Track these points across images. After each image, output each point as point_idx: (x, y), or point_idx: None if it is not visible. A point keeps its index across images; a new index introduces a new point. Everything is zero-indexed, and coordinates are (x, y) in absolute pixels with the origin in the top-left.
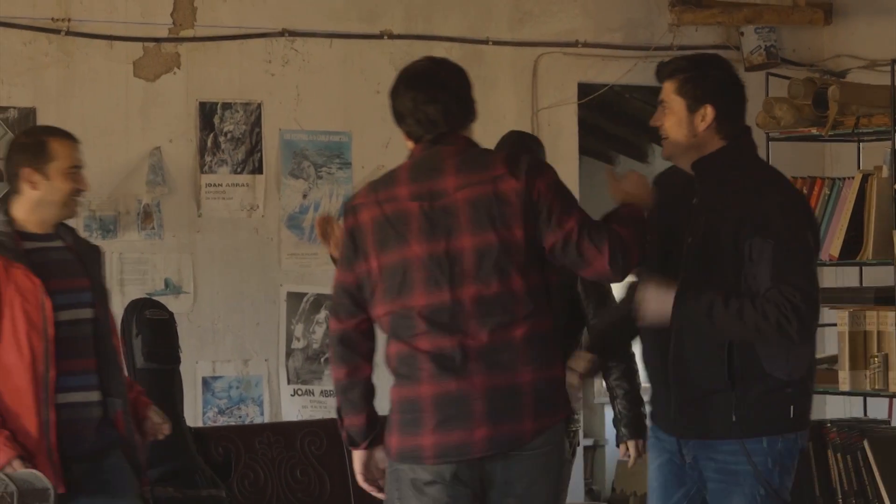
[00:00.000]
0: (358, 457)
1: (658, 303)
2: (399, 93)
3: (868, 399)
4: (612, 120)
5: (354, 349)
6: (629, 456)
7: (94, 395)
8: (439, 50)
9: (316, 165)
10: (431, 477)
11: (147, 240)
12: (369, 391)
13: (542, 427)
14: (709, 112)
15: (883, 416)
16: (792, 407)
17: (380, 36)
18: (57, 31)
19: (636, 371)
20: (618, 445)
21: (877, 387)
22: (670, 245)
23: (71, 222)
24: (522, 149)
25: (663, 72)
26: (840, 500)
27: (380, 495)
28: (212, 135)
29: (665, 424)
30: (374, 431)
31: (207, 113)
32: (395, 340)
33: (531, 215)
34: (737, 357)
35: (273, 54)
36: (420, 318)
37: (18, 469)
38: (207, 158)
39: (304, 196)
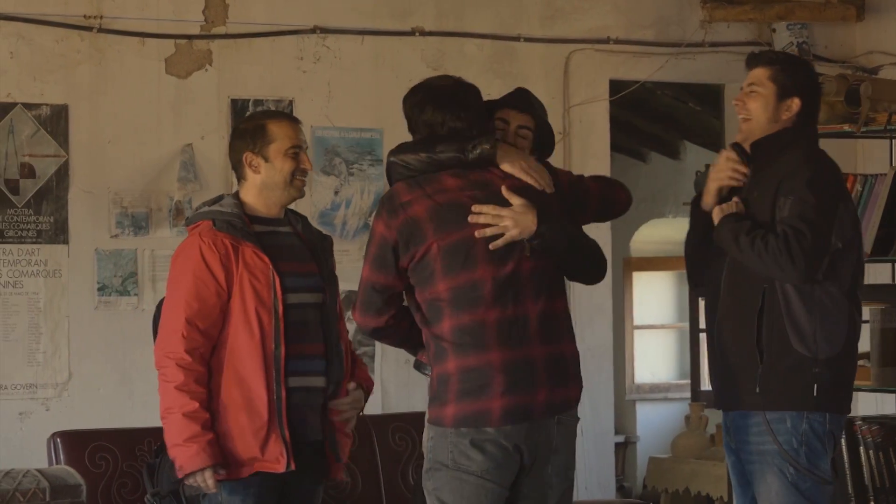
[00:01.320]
0: None
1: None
2: (425, 110)
3: None
4: (644, 117)
5: (390, 337)
6: None
7: (320, 381)
8: (471, 47)
9: (347, 162)
10: (494, 437)
11: (179, 237)
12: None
13: (578, 395)
14: (795, 104)
15: None
16: (816, 385)
17: (411, 33)
18: (89, 29)
19: None
20: None
21: None
22: None
23: (107, 218)
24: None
25: (759, 58)
26: (872, 497)
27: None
28: None
29: (715, 400)
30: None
31: (239, 110)
32: (457, 313)
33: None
34: (765, 330)
35: (305, 51)
36: (487, 289)
37: (209, 481)
38: None
39: (336, 193)
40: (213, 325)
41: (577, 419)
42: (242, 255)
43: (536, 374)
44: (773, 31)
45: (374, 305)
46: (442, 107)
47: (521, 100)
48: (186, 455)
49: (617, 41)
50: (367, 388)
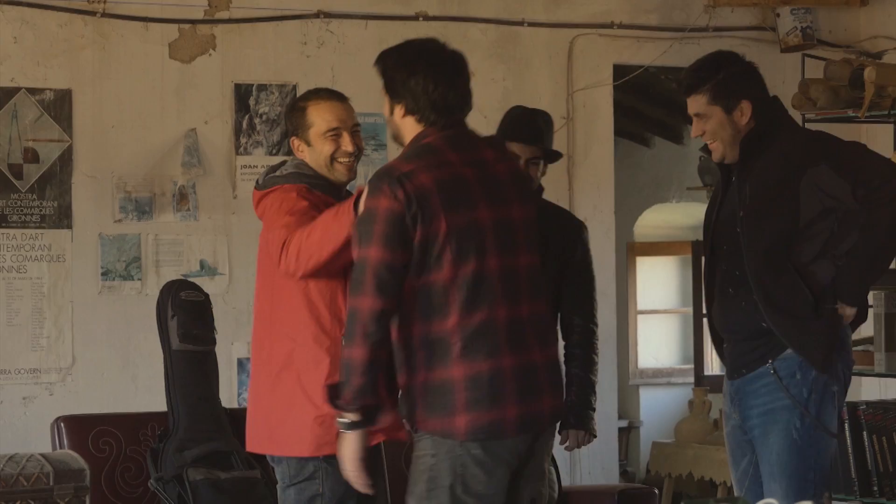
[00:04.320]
0: (359, 440)
1: None
2: (416, 72)
3: None
4: (648, 101)
5: (387, 329)
6: (568, 445)
7: None
8: (474, 31)
9: None
10: (507, 451)
11: (182, 221)
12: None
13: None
14: (745, 106)
15: None
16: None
17: (415, 17)
18: (93, 13)
19: (595, 362)
20: (560, 432)
21: None
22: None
23: (110, 203)
24: (545, 128)
25: (690, 87)
26: (875, 482)
27: (363, 485)
28: (247, 116)
29: (730, 370)
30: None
31: (243, 94)
32: (468, 309)
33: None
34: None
35: (308, 36)
36: (497, 282)
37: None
38: (243, 140)
39: None
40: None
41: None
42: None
43: (541, 381)
44: (777, 15)
45: (392, 287)
46: (438, 73)
47: (530, 132)
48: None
49: (621, 26)
50: None
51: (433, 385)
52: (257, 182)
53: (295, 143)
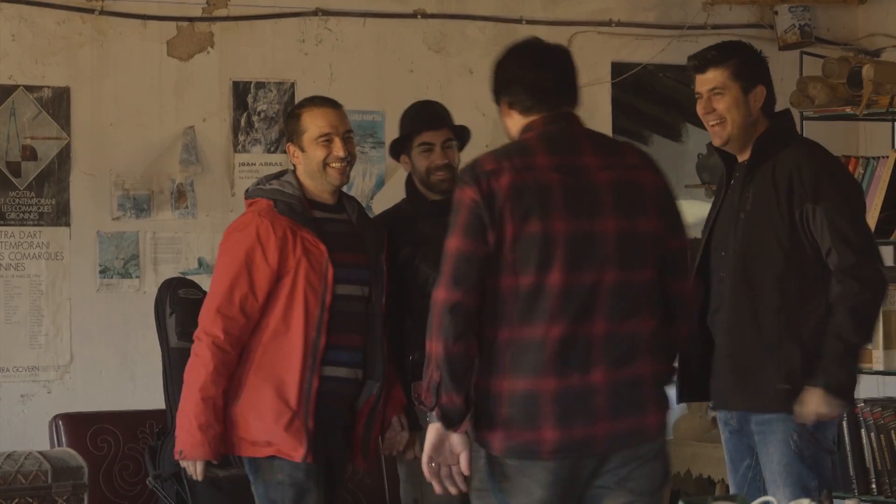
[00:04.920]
0: (440, 437)
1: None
2: (504, 61)
3: None
4: (646, 99)
5: (471, 323)
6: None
7: (357, 374)
8: (472, 29)
9: None
10: (546, 473)
11: (180, 219)
12: (474, 368)
13: (658, 422)
14: (760, 91)
15: None
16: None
17: (413, 15)
18: (91, 11)
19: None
20: None
21: None
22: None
23: (108, 201)
24: (444, 112)
25: (711, 60)
26: (874, 479)
27: (445, 487)
28: (245, 114)
29: (726, 399)
30: (469, 410)
31: (241, 92)
32: (518, 322)
33: (664, 212)
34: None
35: (306, 33)
36: (556, 298)
37: (199, 474)
38: (241, 138)
39: None
40: (257, 308)
41: (660, 447)
42: (302, 240)
43: (594, 404)
44: (776, 13)
45: (469, 278)
46: (526, 58)
47: (432, 118)
48: (191, 442)
49: (619, 23)
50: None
51: (481, 392)
52: (247, 190)
53: (290, 148)
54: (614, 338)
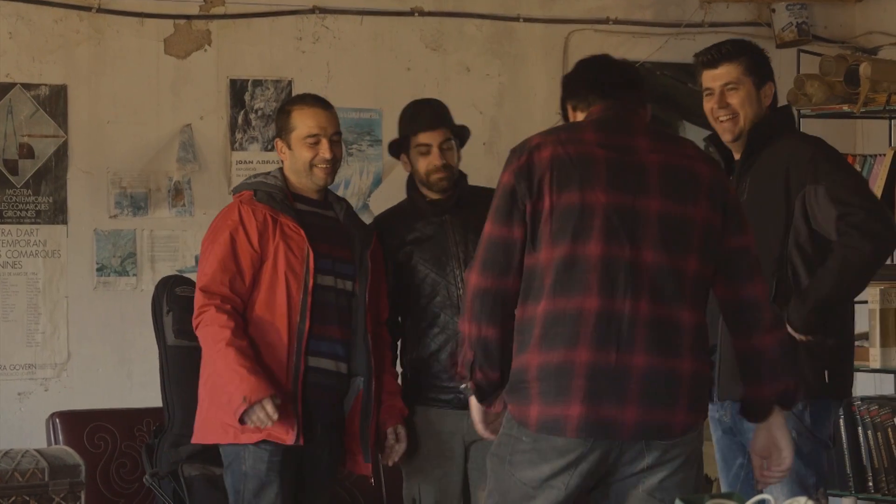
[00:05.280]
0: (480, 409)
1: None
2: (572, 72)
3: None
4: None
5: (504, 309)
6: None
7: (341, 367)
8: (470, 27)
9: (346, 143)
10: (562, 450)
11: (178, 217)
12: (508, 348)
13: (688, 422)
14: (769, 88)
15: None
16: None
17: (410, 13)
18: (88, 9)
19: None
20: None
21: None
22: None
23: (106, 199)
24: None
25: (724, 55)
26: (870, 477)
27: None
28: (242, 112)
29: (719, 390)
30: (503, 386)
31: (238, 90)
32: (555, 296)
33: (719, 206)
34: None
35: (304, 31)
36: (594, 270)
37: (271, 410)
38: (238, 135)
39: None
40: (245, 291)
41: (693, 446)
42: (280, 225)
43: (628, 387)
44: (773, 11)
45: (498, 264)
46: (599, 67)
47: (430, 119)
48: (250, 385)
49: (616, 21)
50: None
51: (516, 370)
52: (234, 186)
53: (279, 144)
54: (658, 322)
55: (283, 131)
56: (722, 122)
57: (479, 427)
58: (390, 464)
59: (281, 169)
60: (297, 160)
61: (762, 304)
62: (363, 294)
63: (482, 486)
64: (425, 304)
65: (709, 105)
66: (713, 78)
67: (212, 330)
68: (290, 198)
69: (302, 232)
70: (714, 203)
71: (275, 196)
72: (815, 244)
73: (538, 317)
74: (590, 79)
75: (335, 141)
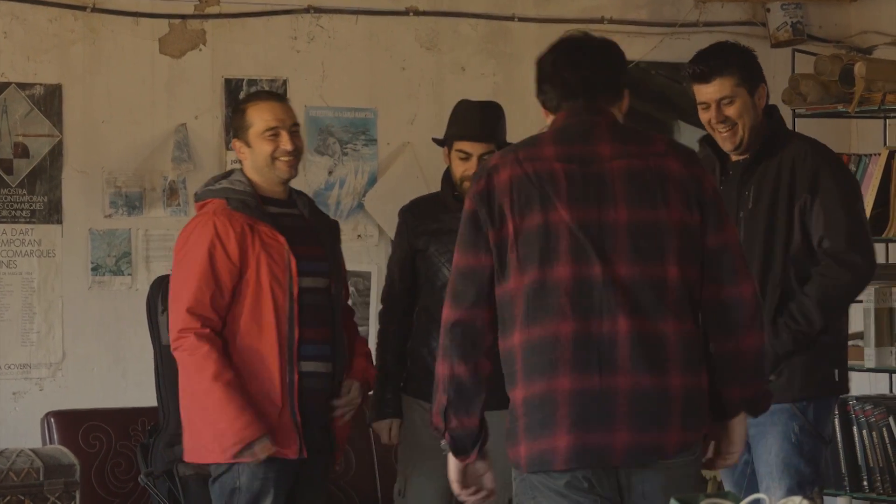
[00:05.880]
0: (457, 465)
1: None
2: (542, 58)
3: (893, 376)
4: (638, 96)
5: (476, 343)
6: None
7: (328, 367)
8: (465, 27)
9: (341, 142)
10: (563, 486)
11: (173, 216)
12: (485, 391)
13: (682, 441)
14: (762, 90)
15: None
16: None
17: (405, 13)
18: (83, 8)
19: None
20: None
21: None
22: None
23: (100, 198)
24: (495, 122)
25: (713, 70)
26: (865, 477)
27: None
28: None
29: None
30: (483, 437)
31: (233, 89)
32: (528, 324)
33: (694, 204)
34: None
35: (298, 31)
36: (565, 294)
37: (262, 453)
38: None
39: (330, 173)
40: (224, 307)
41: (695, 458)
42: (259, 234)
43: (615, 410)
44: (768, 10)
45: (466, 295)
46: (554, 51)
47: (480, 128)
48: (240, 426)
49: (611, 21)
50: (368, 379)
51: (510, 408)
52: (196, 194)
53: (237, 145)
54: (641, 339)
55: (240, 130)
56: (721, 133)
57: (455, 487)
58: (339, 423)
59: (241, 171)
60: (257, 156)
61: (745, 305)
62: (339, 290)
63: None
64: (436, 296)
65: (706, 116)
66: (707, 93)
67: (194, 361)
68: (261, 201)
69: (281, 238)
70: (688, 201)
71: (248, 203)
72: (807, 254)
73: (516, 349)
74: (556, 78)
75: (294, 132)
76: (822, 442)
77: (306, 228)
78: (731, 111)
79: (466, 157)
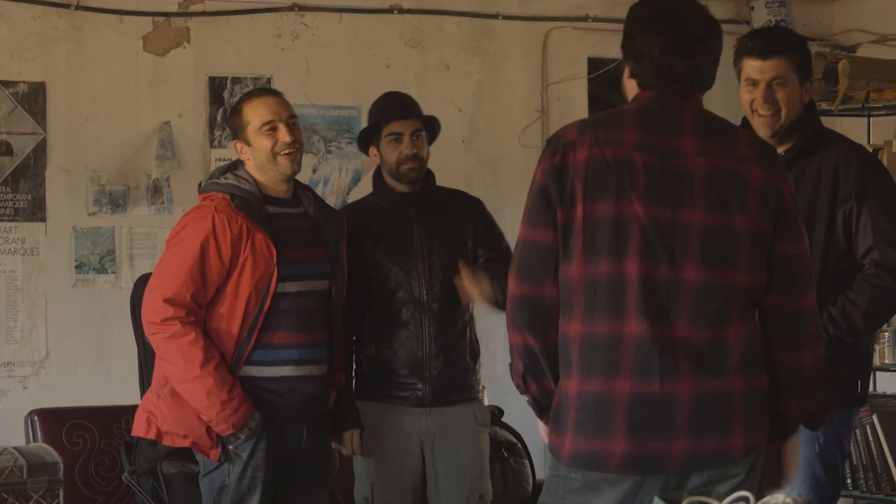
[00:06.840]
0: (544, 425)
1: None
2: (647, 31)
3: (877, 374)
4: (623, 94)
5: (545, 317)
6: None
7: (322, 370)
8: (449, 24)
9: (325, 140)
10: (613, 489)
11: (156, 214)
12: (556, 357)
13: (751, 443)
14: (810, 85)
15: (892, 390)
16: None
17: (389, 10)
18: (67, 6)
19: None
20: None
21: (886, 361)
22: None
23: (84, 196)
24: (413, 103)
25: (774, 48)
26: (849, 474)
27: None
28: (221, 109)
29: None
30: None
31: (217, 87)
32: (590, 317)
33: (772, 212)
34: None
35: (282, 29)
36: (631, 291)
37: (257, 422)
38: (217, 133)
39: (314, 171)
40: (205, 300)
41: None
42: (253, 239)
43: (673, 417)
44: (752, 9)
45: (533, 270)
46: (665, 33)
47: (401, 108)
48: (233, 409)
49: (595, 19)
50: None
51: (559, 392)
52: (200, 184)
53: (237, 146)
54: (703, 345)
55: (238, 130)
56: (762, 116)
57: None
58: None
59: (245, 169)
60: (258, 153)
61: (809, 318)
62: (340, 291)
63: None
64: (387, 300)
65: (749, 97)
66: (760, 70)
67: (180, 347)
68: (264, 202)
69: (272, 249)
70: (766, 209)
71: (251, 204)
72: (849, 260)
73: (574, 339)
74: (662, 62)
75: (293, 124)
76: (843, 454)
77: (309, 228)
78: (780, 94)
79: (398, 137)
